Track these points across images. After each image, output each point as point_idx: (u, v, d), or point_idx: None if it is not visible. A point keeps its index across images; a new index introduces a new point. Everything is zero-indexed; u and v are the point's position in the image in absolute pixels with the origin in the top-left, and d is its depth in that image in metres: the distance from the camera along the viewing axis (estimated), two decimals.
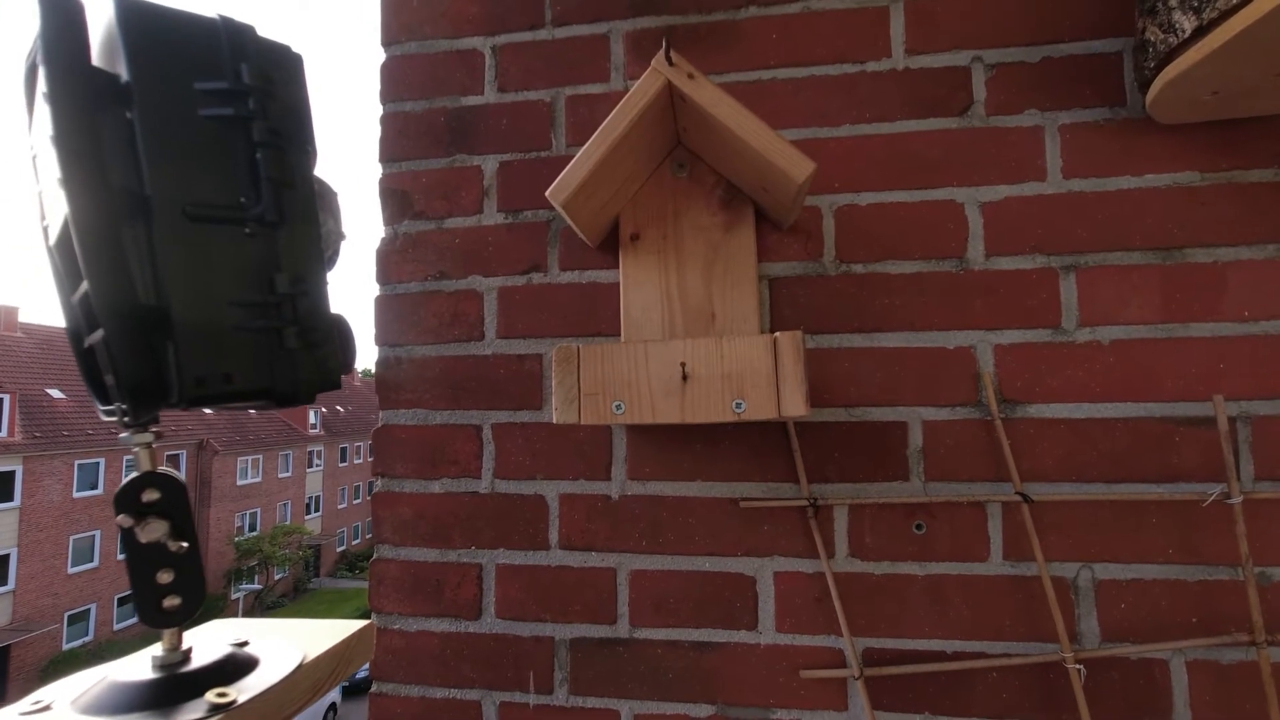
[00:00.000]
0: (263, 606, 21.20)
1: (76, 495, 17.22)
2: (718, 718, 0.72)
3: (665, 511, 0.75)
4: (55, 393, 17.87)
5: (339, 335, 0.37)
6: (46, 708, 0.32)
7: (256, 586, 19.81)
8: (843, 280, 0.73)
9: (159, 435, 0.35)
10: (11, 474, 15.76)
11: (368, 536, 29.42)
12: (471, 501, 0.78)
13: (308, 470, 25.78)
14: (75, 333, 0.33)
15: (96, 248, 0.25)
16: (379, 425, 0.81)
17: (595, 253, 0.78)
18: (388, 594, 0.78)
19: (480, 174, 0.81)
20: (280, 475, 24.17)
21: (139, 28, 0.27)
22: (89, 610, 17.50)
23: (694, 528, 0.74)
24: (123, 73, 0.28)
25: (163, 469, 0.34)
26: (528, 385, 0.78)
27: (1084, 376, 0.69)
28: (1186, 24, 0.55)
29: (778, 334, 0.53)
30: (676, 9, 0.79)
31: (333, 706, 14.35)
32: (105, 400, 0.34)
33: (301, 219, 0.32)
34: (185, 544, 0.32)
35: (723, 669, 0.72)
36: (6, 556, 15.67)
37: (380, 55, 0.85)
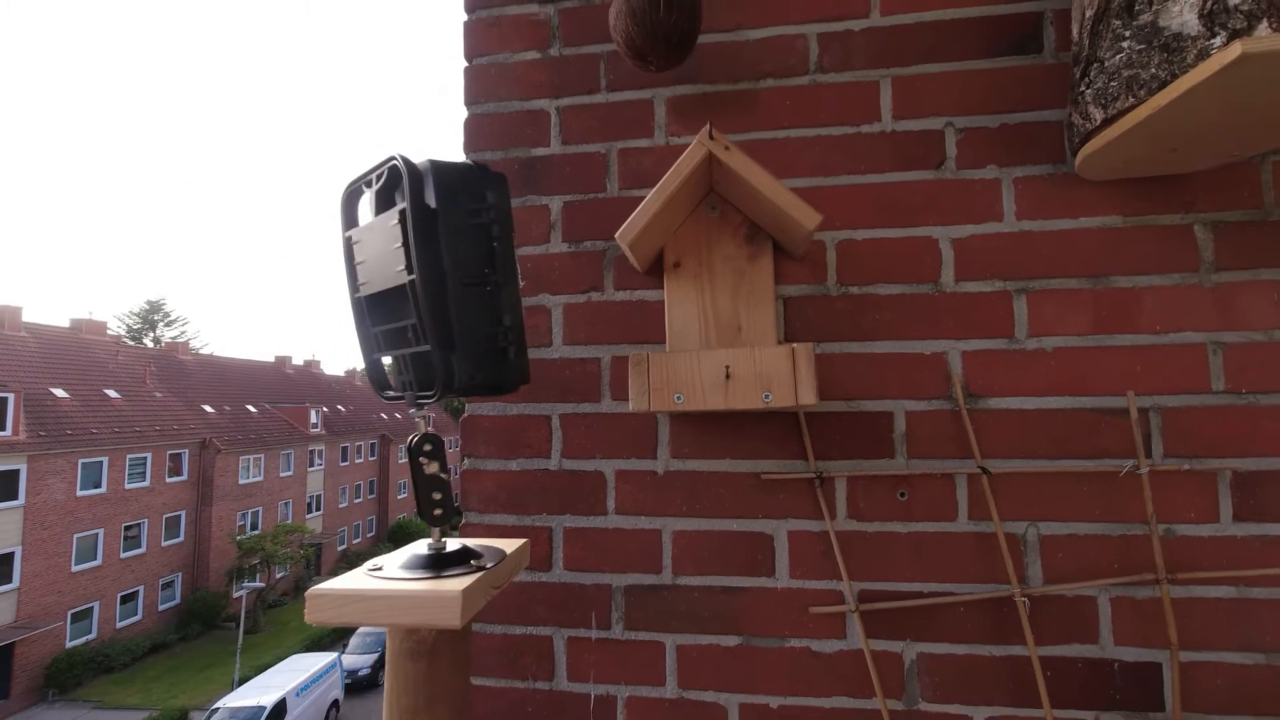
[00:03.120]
0: (264, 605, 21.35)
1: (80, 494, 17.33)
2: (743, 646, 0.90)
3: (701, 483, 0.93)
4: (59, 392, 18.00)
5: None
6: (380, 569, 0.51)
7: (259, 585, 19.96)
8: (842, 300, 0.92)
9: (427, 413, 0.53)
10: (16, 473, 15.87)
11: (369, 535, 29.56)
12: (543, 476, 0.97)
13: (309, 469, 25.91)
14: (370, 350, 0.52)
15: (430, 303, 0.44)
16: (465, 415, 1.00)
17: (643, 276, 0.97)
18: None
19: (548, 211, 1.00)
20: (282, 474, 24.30)
21: (438, 175, 0.46)
22: (92, 608, 17.61)
23: (724, 496, 0.93)
24: (431, 201, 0.47)
25: (432, 431, 0.52)
26: (589, 383, 0.97)
27: (1031, 376, 0.88)
28: (1097, 115, 0.74)
29: (795, 345, 0.72)
30: (708, 79, 0.98)
31: (335, 704, 14.54)
32: (387, 388, 0.53)
33: (512, 280, 0.50)
34: (445, 475, 0.51)
35: (747, 608, 0.91)
36: (11, 555, 15.78)
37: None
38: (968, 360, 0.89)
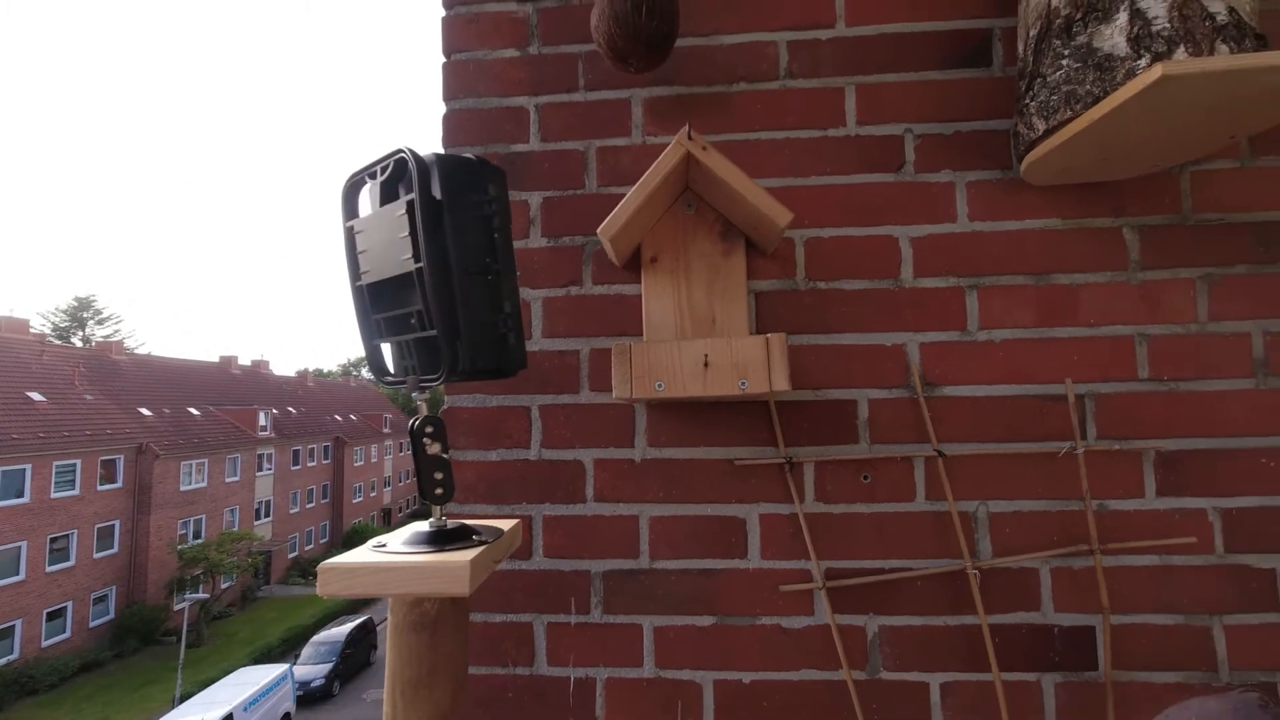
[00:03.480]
0: (209, 617, 20.37)
1: (1, 504, 16.16)
2: (717, 625, 0.94)
3: (677, 470, 0.97)
4: None
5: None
6: (384, 545, 0.52)
7: (202, 596, 19.00)
8: (810, 294, 0.98)
9: (429, 395, 0.55)
10: None
11: (322, 542, 28.52)
12: (522, 466, 0.99)
13: (257, 474, 24.82)
14: (370, 336, 0.53)
15: (437, 290, 0.46)
16: (445, 407, 1.01)
17: (621, 271, 1.00)
18: None
19: (528, 206, 1.02)
20: (228, 479, 23.21)
21: (444, 168, 0.47)
22: (14, 627, 16.43)
23: (699, 482, 0.97)
24: (438, 194, 0.48)
25: (444, 406, 0.54)
26: (568, 374, 1.00)
27: (981, 366, 0.95)
28: (1040, 125, 0.81)
29: (769, 335, 0.77)
30: (683, 82, 1.01)
31: (286, 717, 14.02)
32: (387, 373, 0.54)
33: (511, 270, 0.52)
34: (446, 456, 0.53)
35: (721, 589, 0.95)
36: None
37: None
38: (925, 351, 0.96)
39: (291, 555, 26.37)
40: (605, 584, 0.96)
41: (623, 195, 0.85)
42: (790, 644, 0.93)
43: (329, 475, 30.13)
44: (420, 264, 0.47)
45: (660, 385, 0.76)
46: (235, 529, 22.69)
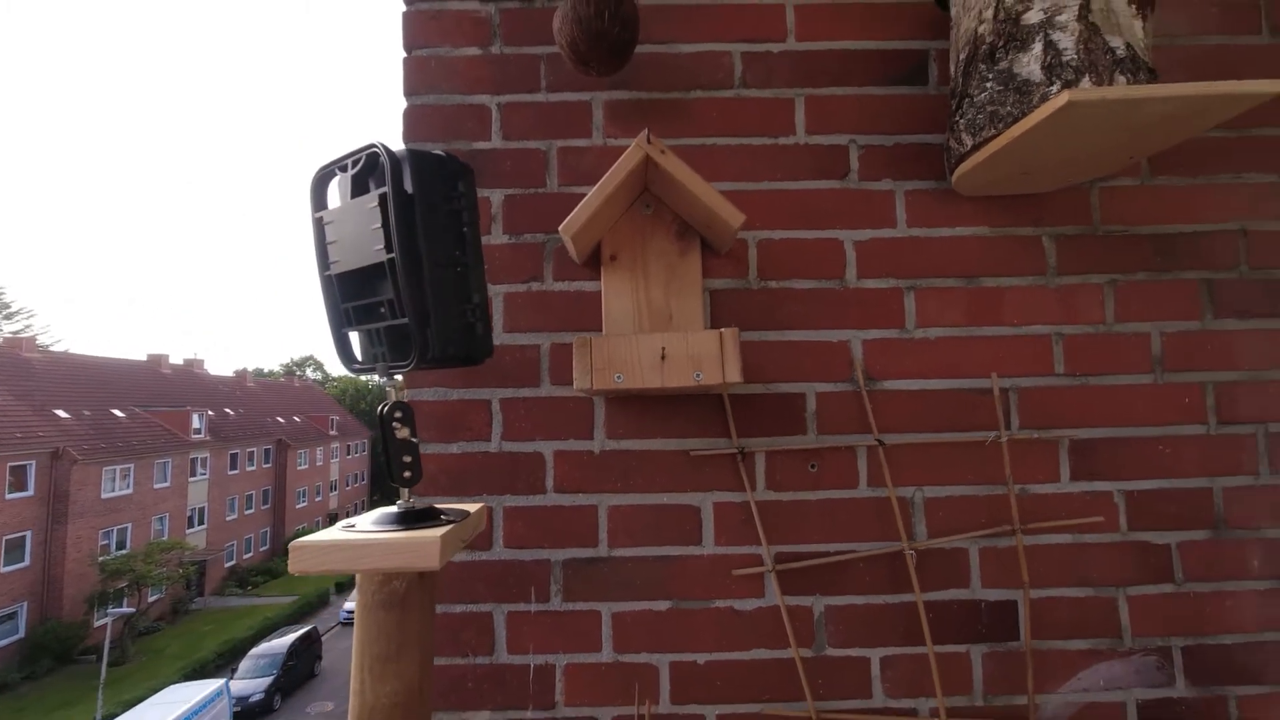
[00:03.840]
0: (134, 632, 19.12)
1: None
2: (673, 609, 0.98)
3: (634, 461, 1.00)
4: None
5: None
6: (354, 525, 0.53)
7: (127, 610, 17.79)
8: (762, 293, 1.03)
9: (399, 381, 0.56)
10: None
11: (262, 549, 27.20)
12: (483, 458, 1.00)
13: (190, 479, 23.44)
14: (339, 325, 0.54)
15: (409, 280, 0.47)
16: (406, 400, 1.01)
17: (581, 268, 1.03)
18: None
19: (489, 203, 1.03)
20: (157, 485, 21.83)
21: (416, 163, 0.49)
22: None
23: (655, 472, 1.00)
24: (409, 188, 0.50)
25: (405, 399, 0.55)
26: (529, 368, 1.02)
27: (918, 362, 1.03)
28: (968, 141, 0.88)
29: (723, 330, 0.81)
30: (643, 87, 1.05)
31: None
32: (355, 361, 0.55)
33: (479, 263, 0.54)
34: (415, 440, 0.54)
35: (677, 574, 0.99)
36: None
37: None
38: (867, 348, 1.03)
39: (228, 564, 25.04)
40: (565, 572, 0.99)
41: (584, 195, 0.88)
42: (742, 625, 0.98)
43: (270, 479, 28.76)
44: (393, 255, 0.48)
45: (619, 377, 0.79)
46: (165, 538, 21.37)
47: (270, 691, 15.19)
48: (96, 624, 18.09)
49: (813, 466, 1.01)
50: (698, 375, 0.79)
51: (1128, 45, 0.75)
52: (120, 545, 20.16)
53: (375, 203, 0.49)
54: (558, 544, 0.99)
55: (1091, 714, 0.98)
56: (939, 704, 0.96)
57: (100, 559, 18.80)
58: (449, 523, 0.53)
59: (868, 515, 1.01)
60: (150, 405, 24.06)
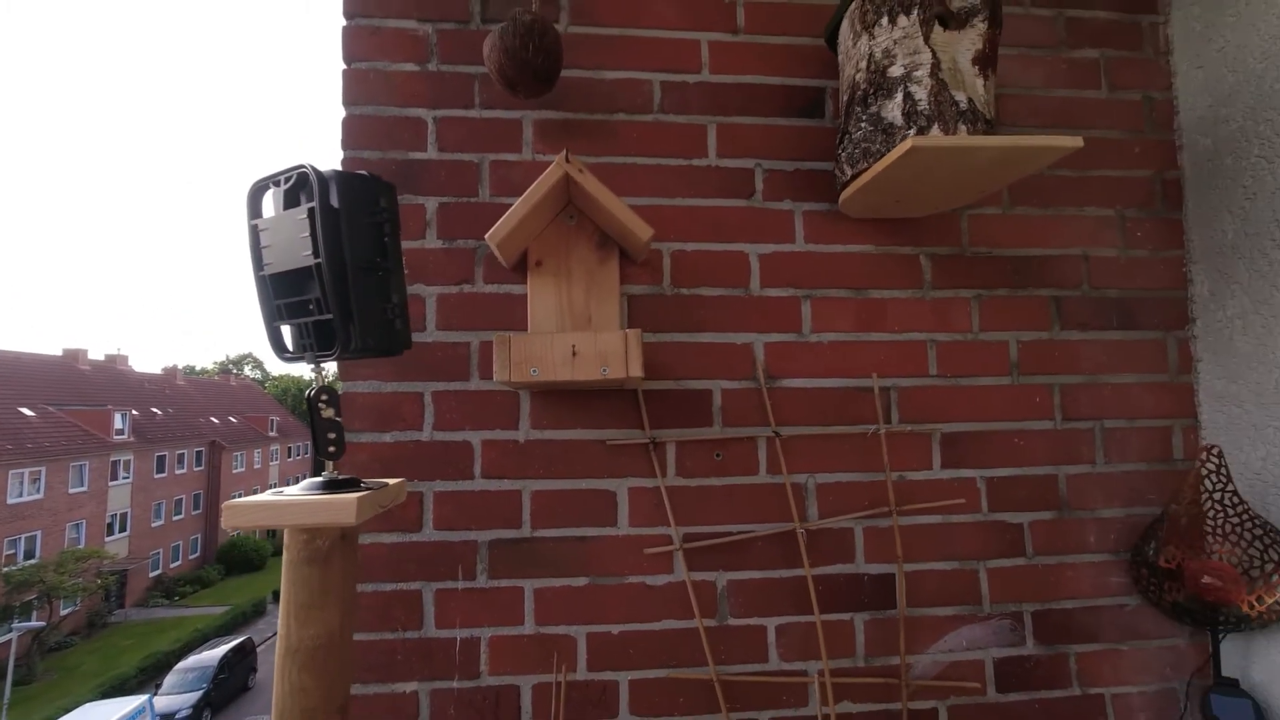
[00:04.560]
0: (44, 649, 17.76)
1: None
2: (590, 585, 1.08)
3: (556, 450, 1.10)
4: None
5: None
6: (281, 492, 0.59)
7: (36, 625, 16.51)
8: (675, 299, 1.14)
9: (322, 368, 0.63)
10: None
11: (192, 557, 25.70)
12: (415, 447, 1.07)
13: (111, 483, 21.95)
14: (271, 319, 0.61)
15: (333, 282, 0.55)
16: (343, 392, 1.07)
17: (509, 272, 1.11)
18: None
19: (424, 210, 1.11)
20: (72, 490, 20.35)
21: (342, 181, 0.57)
22: None
23: (575, 460, 1.10)
24: (335, 202, 0.57)
25: (329, 383, 0.63)
26: (459, 364, 1.09)
27: (813, 363, 1.16)
28: (848, 171, 1.02)
29: (628, 330, 0.91)
30: (570, 108, 1.15)
31: None
32: (286, 351, 0.62)
33: (399, 268, 0.62)
34: (339, 419, 0.62)
35: (594, 553, 1.08)
36: None
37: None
38: (768, 349, 1.15)
39: (154, 574, 23.56)
40: (491, 552, 1.07)
41: (512, 205, 0.97)
42: (653, 598, 1.09)
43: (202, 483, 27.26)
44: (319, 260, 0.56)
45: (535, 371, 0.89)
46: (81, 546, 19.95)
47: (199, 707, 14.39)
48: (0, 640, 16.71)
49: (718, 455, 1.13)
50: (604, 370, 0.89)
51: (969, 100, 0.90)
52: (29, 554, 18.73)
53: (304, 215, 0.57)
54: (484, 526, 1.07)
55: (955, 671, 1.13)
56: (824, 665, 1.09)
57: (5, 569, 17.39)
58: (367, 490, 0.61)
59: (766, 499, 1.13)
60: (65, 403, 22.44)
